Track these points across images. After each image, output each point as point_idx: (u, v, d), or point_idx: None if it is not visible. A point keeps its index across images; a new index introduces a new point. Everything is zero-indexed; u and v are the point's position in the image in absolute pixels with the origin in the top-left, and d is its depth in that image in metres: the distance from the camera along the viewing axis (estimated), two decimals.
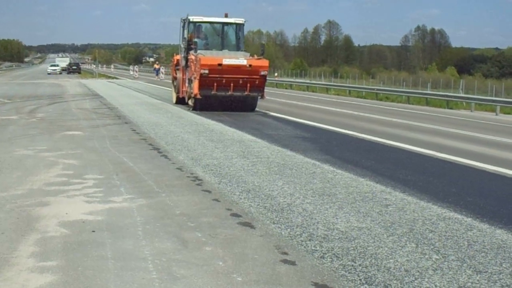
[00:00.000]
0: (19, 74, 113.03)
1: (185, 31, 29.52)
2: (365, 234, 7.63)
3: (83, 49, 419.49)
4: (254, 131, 18.72)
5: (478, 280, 6.06)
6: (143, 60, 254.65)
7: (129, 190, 9.91)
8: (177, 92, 31.14)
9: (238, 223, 8.01)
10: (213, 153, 13.87)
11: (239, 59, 26.20)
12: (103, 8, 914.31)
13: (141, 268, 6.18)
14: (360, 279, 6.01)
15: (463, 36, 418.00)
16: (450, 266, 6.48)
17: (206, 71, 25.34)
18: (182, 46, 29.86)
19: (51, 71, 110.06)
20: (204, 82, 25.71)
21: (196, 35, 28.81)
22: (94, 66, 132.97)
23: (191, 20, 28.98)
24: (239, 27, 29.38)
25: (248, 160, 13.06)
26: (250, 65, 25.89)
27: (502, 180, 12.07)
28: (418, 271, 6.26)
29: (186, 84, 28.51)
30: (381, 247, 7.10)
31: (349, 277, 6.06)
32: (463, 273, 6.25)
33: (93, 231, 7.52)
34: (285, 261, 6.51)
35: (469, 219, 8.54)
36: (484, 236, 7.68)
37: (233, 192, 9.84)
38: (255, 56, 27.52)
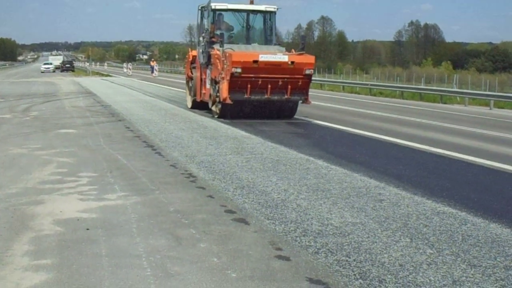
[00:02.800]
0: (13, 72, 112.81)
1: (205, 21, 24.54)
2: (359, 229, 7.63)
3: (77, 47, 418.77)
4: (247, 127, 18.70)
5: (472, 274, 6.07)
6: (137, 58, 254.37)
7: (123, 187, 9.91)
8: (194, 95, 25.88)
9: (233, 220, 8.01)
10: (207, 150, 13.87)
11: (278, 55, 21.20)
12: (96, 5, 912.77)
13: (136, 265, 6.18)
14: (355, 274, 6.02)
15: (456, 31, 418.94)
16: (444, 260, 6.49)
17: (239, 70, 20.42)
18: (201, 39, 24.84)
19: (45, 69, 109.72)
20: (236, 83, 20.70)
21: (217, 26, 23.88)
22: (88, 64, 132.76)
23: (213, 7, 23.67)
24: (270, 15, 24.32)
25: (242, 156, 13.05)
26: (292, 62, 20.85)
27: (496, 174, 12.08)
28: (413, 266, 6.27)
29: (207, 86, 23.33)
30: (376, 242, 7.11)
31: (343, 272, 6.06)
32: (458, 267, 6.26)
33: (88, 229, 7.51)
34: (279, 257, 6.52)
35: (463, 213, 8.55)
36: (478, 230, 7.70)
37: (227, 189, 9.84)
38: (293, 51, 22.58)
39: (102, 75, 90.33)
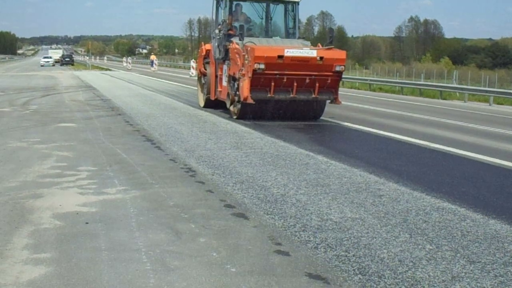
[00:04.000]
0: (12, 66, 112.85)
1: (221, 12, 22.55)
2: (359, 224, 7.64)
3: (76, 41, 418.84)
4: (246, 122, 18.69)
5: (471, 270, 6.07)
6: (136, 52, 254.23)
7: (122, 181, 9.90)
8: (207, 93, 23.55)
9: (232, 214, 8.01)
10: (207, 144, 13.86)
11: (305, 50, 18.94)
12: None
13: (135, 260, 6.18)
14: (354, 270, 6.02)
15: (456, 26, 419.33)
16: (443, 256, 6.49)
17: (262, 66, 18.26)
18: (216, 32, 22.27)
19: (44, 63, 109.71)
20: (258, 81, 18.60)
21: (235, 18, 21.54)
22: (88, 58, 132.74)
23: None
24: (293, 6, 22.16)
25: (241, 151, 13.05)
26: (321, 58, 18.64)
27: (495, 170, 12.08)
28: (412, 261, 6.27)
29: (224, 83, 21.25)
30: (375, 237, 7.11)
31: (342, 268, 6.07)
32: (457, 263, 6.26)
33: (87, 223, 7.51)
34: (278, 252, 6.52)
35: (463, 209, 8.56)
36: (477, 226, 7.70)
37: (227, 183, 9.84)
38: (319, 45, 20.46)
39: (102, 69, 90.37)
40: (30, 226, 7.38)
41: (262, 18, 22.39)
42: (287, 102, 19.46)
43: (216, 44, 21.95)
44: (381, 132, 17.41)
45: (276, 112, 19.95)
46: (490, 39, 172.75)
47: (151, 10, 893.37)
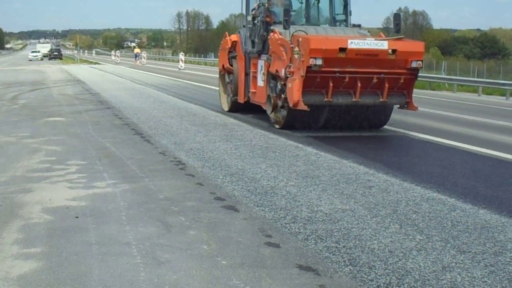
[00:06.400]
0: (0, 61, 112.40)
1: None
2: (349, 215, 7.65)
3: (65, 34, 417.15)
4: (236, 115, 18.68)
5: (462, 260, 6.09)
6: (125, 45, 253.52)
7: (112, 175, 9.89)
8: (234, 95, 19.36)
9: (222, 207, 8.01)
10: (196, 137, 13.85)
11: (372, 40, 14.71)
12: None
13: (125, 253, 6.17)
14: (344, 261, 6.03)
15: (444, 17, 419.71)
16: (434, 246, 6.51)
17: (319, 62, 14.03)
18: (249, 19, 18.36)
19: (32, 57, 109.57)
20: (313, 81, 14.40)
21: (271, 2, 17.35)
22: (76, 52, 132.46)
23: None
24: None
25: (231, 143, 13.05)
26: (393, 51, 14.47)
27: (484, 160, 12.11)
28: (402, 252, 6.29)
29: (260, 83, 17.28)
30: (365, 228, 7.12)
31: (333, 259, 6.07)
32: (447, 253, 6.28)
33: (77, 217, 7.50)
34: (269, 244, 6.52)
35: (453, 199, 8.58)
36: (467, 217, 7.72)
37: (217, 176, 9.84)
38: (381, 35, 16.68)
39: (90, 63, 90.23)
40: (19, 220, 7.36)
41: (301, 2, 18.37)
42: (346, 107, 15.43)
43: (248, 34, 18.24)
44: None
45: (332, 120, 15.97)
46: (478, 29, 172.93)
47: (139, 3, 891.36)
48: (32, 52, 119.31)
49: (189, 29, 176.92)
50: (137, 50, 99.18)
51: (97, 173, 10.08)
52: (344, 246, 6.46)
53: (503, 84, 33.32)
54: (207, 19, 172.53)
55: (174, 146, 12.69)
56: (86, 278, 5.56)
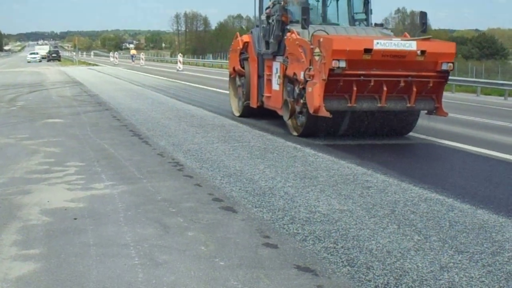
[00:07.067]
0: None
1: None
2: (347, 216, 7.65)
3: (63, 36, 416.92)
4: (234, 116, 18.69)
5: (459, 260, 6.10)
6: (123, 47, 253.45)
7: (110, 177, 9.89)
8: (246, 99, 18.24)
9: (220, 208, 8.02)
10: (194, 138, 13.85)
11: (399, 41, 13.58)
12: None
13: (123, 254, 6.18)
14: (342, 261, 6.04)
15: (442, 18, 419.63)
16: (431, 246, 6.51)
17: (343, 64, 12.95)
18: (263, 18, 17.23)
19: (31, 59, 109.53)
20: (335, 85, 13.34)
21: (289, 0, 16.43)
22: (74, 53, 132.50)
23: None
24: None
25: (229, 144, 13.05)
26: (422, 52, 13.39)
27: (482, 160, 12.12)
28: (400, 252, 6.29)
29: (275, 87, 16.15)
30: (363, 229, 7.13)
31: (331, 260, 6.08)
32: (445, 254, 6.29)
33: (75, 219, 7.51)
34: (267, 245, 6.53)
35: (450, 199, 8.59)
36: (465, 217, 7.73)
37: (215, 177, 9.84)
38: (406, 35, 15.46)
39: (89, 64, 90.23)
40: (18, 222, 7.37)
41: (318, 0, 16.99)
42: (371, 113, 14.40)
43: (262, 34, 16.97)
44: None
45: (354, 126, 14.77)
46: (476, 30, 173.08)
47: (137, 5, 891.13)
48: (31, 54, 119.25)
49: (187, 30, 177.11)
50: (133, 52, 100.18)
51: (95, 174, 10.08)
52: (342, 247, 6.47)
53: (502, 84, 33.27)
54: (205, 21, 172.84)
55: (172, 147, 12.69)
56: (85, 279, 5.56)
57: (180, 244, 6.53)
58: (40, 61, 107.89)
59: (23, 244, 6.53)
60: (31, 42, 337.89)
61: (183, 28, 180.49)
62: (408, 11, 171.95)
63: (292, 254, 6.25)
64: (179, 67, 63.48)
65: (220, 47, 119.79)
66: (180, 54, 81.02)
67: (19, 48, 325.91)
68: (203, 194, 8.78)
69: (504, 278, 5.69)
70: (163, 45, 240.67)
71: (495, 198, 8.83)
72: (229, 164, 10.93)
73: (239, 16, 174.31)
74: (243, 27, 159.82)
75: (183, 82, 39.21)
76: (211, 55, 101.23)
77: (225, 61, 79.65)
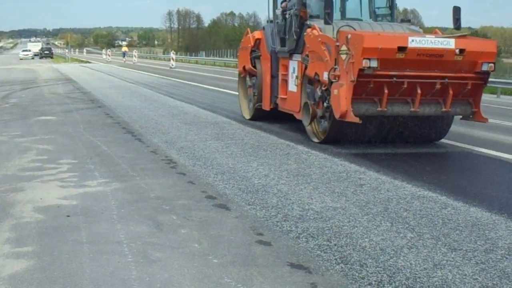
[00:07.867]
0: None
1: None
2: (340, 214, 7.66)
3: (55, 33, 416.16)
4: (229, 114, 18.68)
5: (453, 258, 6.11)
6: (116, 44, 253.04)
7: (103, 174, 9.88)
8: (257, 101, 16.70)
9: (213, 205, 8.01)
10: (188, 136, 13.84)
11: (434, 38, 11.97)
12: None
13: (117, 252, 6.17)
14: (336, 259, 6.04)
15: (435, 15, 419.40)
16: (425, 244, 6.52)
17: (374, 64, 11.52)
18: (278, 12, 15.91)
19: (23, 56, 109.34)
20: (365, 87, 11.91)
21: None
22: (67, 50, 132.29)
23: None
24: None
25: (222, 142, 13.04)
26: (461, 51, 11.96)
27: (476, 158, 12.14)
28: (393, 250, 6.30)
29: (292, 88, 14.84)
30: (356, 226, 7.13)
31: (324, 257, 6.08)
32: (438, 251, 6.29)
33: (68, 216, 7.49)
34: (260, 242, 6.53)
35: (444, 197, 8.60)
36: (458, 214, 7.73)
37: (208, 174, 9.84)
38: (437, 32, 14.08)
39: (81, 61, 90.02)
40: (11, 220, 7.35)
41: None
42: (402, 119, 13.03)
43: (276, 30, 15.79)
44: None
45: (381, 132, 13.44)
46: (469, 27, 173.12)
47: (130, 2, 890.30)
48: (23, 51, 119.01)
49: (180, 27, 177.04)
50: (124, 49, 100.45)
51: (88, 172, 10.06)
52: (335, 244, 6.47)
53: (494, 82, 33.30)
54: (198, 18, 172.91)
55: (165, 144, 12.68)
56: (78, 276, 5.55)
57: (174, 242, 6.52)
58: (32, 58, 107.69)
59: (16, 242, 6.51)
60: (23, 39, 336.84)
61: (176, 26, 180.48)
62: (401, 8, 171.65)
63: (286, 251, 6.25)
64: (172, 65, 63.41)
65: (213, 45, 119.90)
66: (173, 51, 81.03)
67: (12, 45, 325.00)
68: (196, 191, 8.77)
69: (497, 275, 5.70)
70: (156, 42, 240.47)
71: (488, 195, 8.84)
72: (222, 161, 10.92)
73: (232, 14, 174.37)
74: (236, 24, 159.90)
75: (176, 80, 39.16)
76: (204, 53, 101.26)
77: (218, 58, 79.94)
